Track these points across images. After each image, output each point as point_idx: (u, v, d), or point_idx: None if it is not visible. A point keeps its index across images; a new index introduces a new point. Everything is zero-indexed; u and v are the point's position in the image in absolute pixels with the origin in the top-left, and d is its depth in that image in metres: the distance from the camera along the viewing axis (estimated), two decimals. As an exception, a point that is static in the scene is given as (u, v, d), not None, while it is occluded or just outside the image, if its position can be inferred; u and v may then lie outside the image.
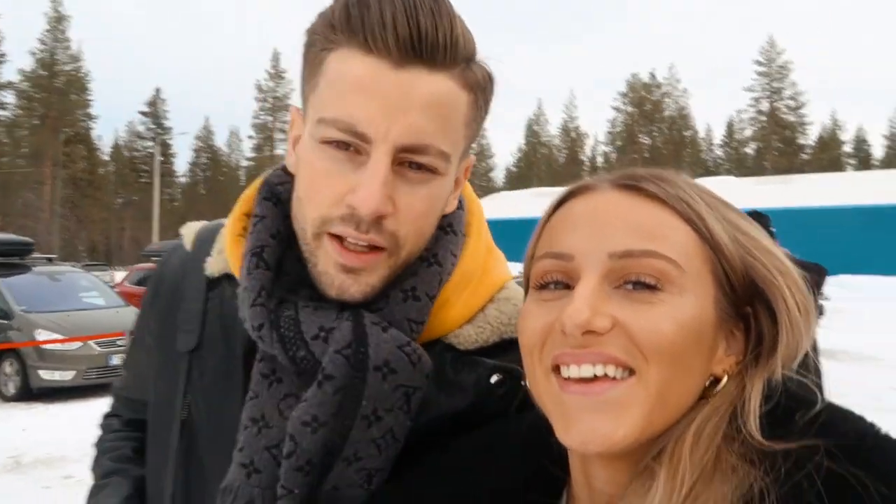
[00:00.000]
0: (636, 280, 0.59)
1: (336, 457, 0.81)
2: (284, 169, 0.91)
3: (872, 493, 0.51)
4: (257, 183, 0.93)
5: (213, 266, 0.93)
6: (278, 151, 67.45)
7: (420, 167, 0.78)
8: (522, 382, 0.83)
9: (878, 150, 72.15)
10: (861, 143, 72.94)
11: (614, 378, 0.59)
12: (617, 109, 74.80)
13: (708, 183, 0.67)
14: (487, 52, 0.82)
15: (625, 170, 0.65)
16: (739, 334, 0.63)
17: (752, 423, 0.57)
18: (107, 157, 76.77)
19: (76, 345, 8.97)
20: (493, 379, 0.86)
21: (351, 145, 0.77)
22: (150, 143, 76.30)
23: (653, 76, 73.73)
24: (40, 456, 6.38)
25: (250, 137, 78.21)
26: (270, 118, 76.79)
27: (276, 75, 76.64)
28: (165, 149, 69.72)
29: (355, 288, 0.81)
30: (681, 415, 0.60)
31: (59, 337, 8.95)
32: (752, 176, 44.82)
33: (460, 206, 0.92)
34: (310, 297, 0.84)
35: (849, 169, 65.90)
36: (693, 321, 0.59)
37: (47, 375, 8.81)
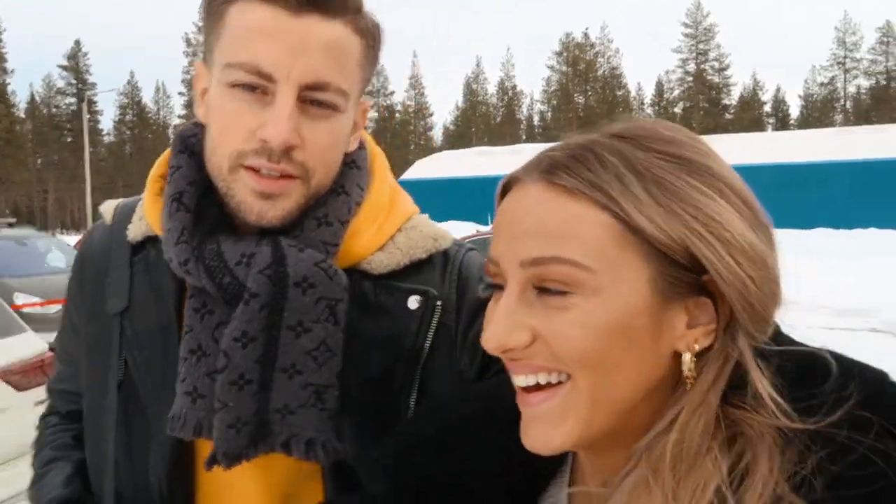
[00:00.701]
0: (545, 287, 0.59)
1: (273, 368, 0.86)
2: (195, 124, 0.98)
3: None
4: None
5: (135, 231, 0.99)
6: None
7: (321, 104, 0.86)
8: (438, 303, 0.96)
9: (794, 111, 76.11)
10: (779, 104, 76.65)
11: (548, 384, 0.60)
12: (552, 69, 75.88)
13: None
14: (378, 5, 0.93)
15: (554, 151, 0.62)
16: (709, 299, 0.60)
17: (766, 397, 0.57)
18: (22, 114, 72.74)
19: (56, 307, 9.20)
20: (414, 305, 0.95)
21: (258, 87, 0.84)
22: (70, 100, 72.68)
23: (586, 35, 74.92)
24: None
25: (181, 94, 75.50)
26: (200, 74, 73.93)
27: (205, 29, 73.68)
28: (90, 106, 66.49)
29: (272, 213, 0.87)
30: (633, 403, 0.60)
31: (38, 300, 9.17)
32: (681, 135, 46.45)
33: (362, 147, 1.01)
34: (229, 236, 0.90)
35: (768, 128, 69.37)
36: (610, 320, 0.57)
37: (30, 337, 9.03)
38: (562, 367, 0.59)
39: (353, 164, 0.97)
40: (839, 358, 0.60)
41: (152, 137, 76.27)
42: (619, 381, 0.59)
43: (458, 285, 0.98)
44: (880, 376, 0.59)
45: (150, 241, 0.98)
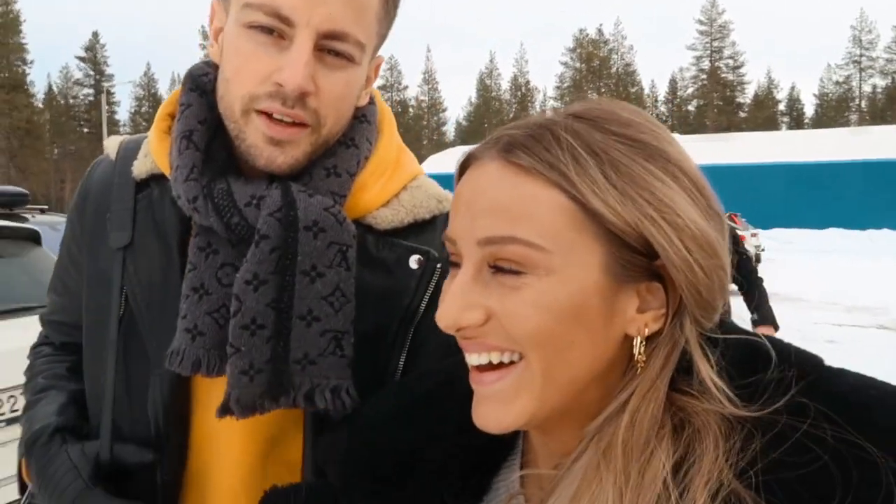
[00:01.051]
0: (500, 267, 0.59)
1: (289, 316, 0.86)
2: (206, 63, 0.97)
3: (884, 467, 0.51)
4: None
5: (141, 168, 0.98)
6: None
7: (338, 54, 0.86)
8: (438, 265, 0.96)
9: (809, 109, 75.72)
10: (794, 103, 76.22)
11: (500, 364, 0.61)
12: (565, 65, 75.81)
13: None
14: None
15: (513, 130, 0.62)
16: (660, 284, 0.60)
17: (710, 383, 0.59)
18: (41, 105, 73.53)
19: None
20: (414, 265, 0.95)
21: (275, 30, 0.83)
22: (88, 91, 73.43)
23: (600, 32, 74.78)
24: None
25: (195, 86, 75.66)
26: (216, 67, 74.31)
27: (221, 22, 74.00)
28: (107, 97, 67.11)
29: (282, 159, 0.87)
30: (585, 382, 0.61)
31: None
32: (694, 133, 46.78)
33: (372, 103, 1.01)
34: (238, 177, 0.90)
35: (783, 127, 69.09)
36: (563, 301, 0.57)
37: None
38: (515, 346, 0.59)
39: (363, 119, 0.98)
40: (776, 344, 0.62)
41: (167, 129, 76.41)
42: (572, 360, 0.59)
43: None
44: (816, 361, 0.61)
45: (155, 179, 0.98)
